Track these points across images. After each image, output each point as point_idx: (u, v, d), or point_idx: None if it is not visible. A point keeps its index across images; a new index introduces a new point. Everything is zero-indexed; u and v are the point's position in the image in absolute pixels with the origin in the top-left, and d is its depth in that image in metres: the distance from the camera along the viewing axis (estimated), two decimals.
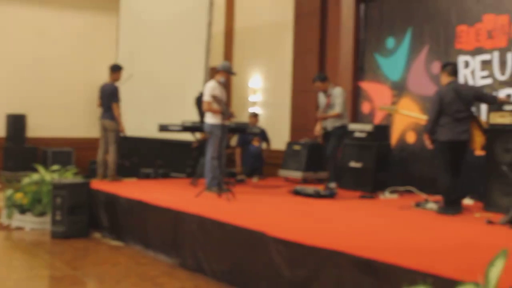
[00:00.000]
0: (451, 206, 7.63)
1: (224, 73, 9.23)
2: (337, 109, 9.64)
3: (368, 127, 10.00)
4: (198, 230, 6.77)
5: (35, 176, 9.32)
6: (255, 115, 12.32)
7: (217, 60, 14.00)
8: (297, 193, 9.09)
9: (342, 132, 9.80)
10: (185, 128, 10.38)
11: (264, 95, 13.52)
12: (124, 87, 11.25)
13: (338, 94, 9.70)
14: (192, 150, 11.38)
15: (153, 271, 6.75)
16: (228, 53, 14.42)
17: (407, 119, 10.01)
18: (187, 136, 11.16)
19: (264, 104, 13.47)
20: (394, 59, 10.56)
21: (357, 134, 10.06)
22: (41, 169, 9.53)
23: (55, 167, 9.89)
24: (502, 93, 8.70)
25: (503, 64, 8.83)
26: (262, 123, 12.54)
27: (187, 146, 11.74)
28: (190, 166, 11.44)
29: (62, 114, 14.86)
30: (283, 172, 11.33)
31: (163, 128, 10.73)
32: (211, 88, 9.03)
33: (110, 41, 14.93)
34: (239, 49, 14.25)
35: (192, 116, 10.83)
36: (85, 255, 7.65)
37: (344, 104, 9.75)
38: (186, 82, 12.32)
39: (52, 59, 14.77)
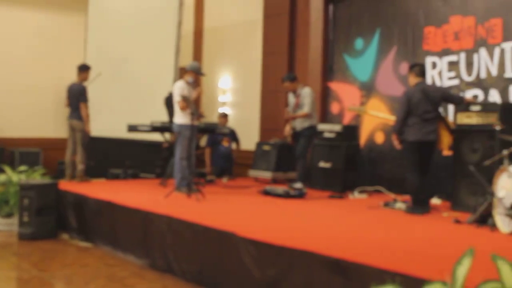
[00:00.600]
0: (419, 206, 7.70)
1: (192, 73, 9.19)
2: (306, 109, 9.67)
3: (337, 128, 10.06)
4: (167, 231, 6.74)
5: (2, 177, 9.21)
6: (224, 116, 12.32)
7: (187, 60, 13.94)
8: (266, 193, 9.10)
9: (311, 132, 9.84)
10: (154, 129, 10.33)
11: (233, 95, 13.51)
12: (93, 87, 11.16)
13: (307, 95, 9.74)
14: (162, 150, 11.32)
15: (122, 272, 6.71)
16: (197, 53, 14.38)
17: (376, 120, 10.09)
18: (157, 137, 11.11)
19: (234, 104, 13.46)
20: (362, 60, 10.62)
21: (326, 135, 10.11)
22: (8, 169, 9.42)
23: (23, 167, 9.79)
24: (468, 94, 8.81)
25: (469, 65, 8.94)
26: (231, 123, 12.54)
27: (156, 146, 11.68)
28: (159, 167, 11.38)
29: (30, 114, 14.67)
30: (253, 172, 11.33)
31: (132, 128, 10.67)
32: (180, 88, 8.99)
33: (78, 41, 14.78)
34: (208, 49, 14.22)
35: (161, 116, 10.78)
36: (53, 256, 7.57)
37: (313, 104, 9.79)
38: (155, 82, 12.25)
39: (19, 59, 14.57)
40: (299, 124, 9.84)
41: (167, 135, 10.80)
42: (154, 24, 12.59)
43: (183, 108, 8.89)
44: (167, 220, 6.80)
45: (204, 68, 13.61)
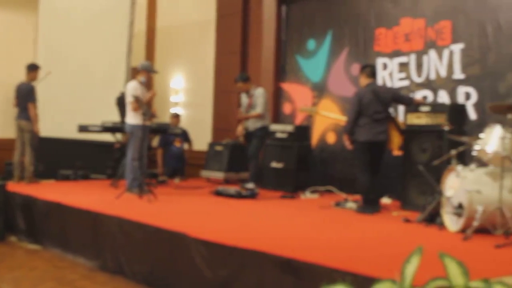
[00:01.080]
0: (370, 205, 7.78)
1: (145, 73, 9.12)
2: (258, 109, 9.69)
3: (289, 128, 10.10)
4: (118, 232, 6.67)
5: None
6: (176, 116, 12.25)
7: (139, 60, 13.83)
8: (219, 193, 9.09)
9: (264, 132, 9.86)
10: (106, 129, 10.23)
11: (186, 95, 13.46)
12: (43, 87, 10.98)
13: (259, 95, 9.75)
14: (113, 151, 11.21)
15: (72, 274, 6.62)
16: (150, 53, 14.28)
17: (327, 120, 10.15)
18: (108, 137, 10.99)
19: (186, 105, 13.40)
20: (315, 61, 10.69)
21: (278, 135, 10.14)
22: None
23: None
24: (418, 95, 8.93)
25: (419, 66, 9.06)
26: (184, 123, 12.47)
27: (107, 147, 11.55)
28: (110, 168, 11.26)
29: None
30: (205, 173, 11.30)
31: (83, 128, 10.54)
32: (133, 88, 8.91)
33: (28, 40, 14.52)
34: (161, 49, 14.14)
35: (113, 116, 10.67)
36: (0, 259, 7.42)
37: (265, 105, 9.81)
38: (107, 81, 12.13)
39: None
40: (252, 125, 9.85)
41: (119, 136, 10.69)
42: (106, 23, 12.47)
43: (135, 109, 8.81)
44: (118, 221, 6.73)
45: (156, 68, 13.56)
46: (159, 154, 11.73)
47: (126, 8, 12.13)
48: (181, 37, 13.55)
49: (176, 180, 11.21)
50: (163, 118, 12.57)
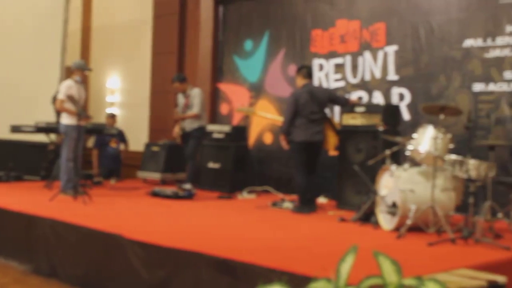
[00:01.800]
0: (306, 205, 7.84)
1: (79, 72, 8.96)
2: (195, 109, 9.65)
3: (226, 128, 10.09)
4: (52, 235, 6.54)
5: None
6: (112, 116, 12.10)
7: (74, 59, 13.62)
8: (155, 194, 9.02)
9: (201, 133, 9.82)
10: (39, 129, 10.02)
11: (122, 95, 13.30)
12: None
13: (196, 95, 9.72)
14: (47, 152, 10.99)
15: (3, 278, 6.44)
16: (85, 52, 14.05)
17: (264, 120, 10.19)
18: (42, 138, 10.77)
19: (122, 105, 13.25)
20: (252, 61, 10.71)
21: (215, 135, 10.13)
22: None
23: None
24: (354, 96, 9.05)
25: (354, 67, 9.19)
26: (120, 124, 12.33)
27: (41, 147, 11.31)
28: (44, 169, 11.04)
29: None
30: (142, 174, 11.20)
31: (15, 129, 10.29)
32: (67, 87, 8.75)
33: None
34: (96, 48, 13.93)
35: (47, 116, 10.46)
36: None
37: (202, 105, 9.78)
38: (41, 81, 11.88)
39: None
40: (188, 125, 9.80)
41: (53, 136, 10.49)
42: (39, 21, 12.20)
43: (60, 109, 8.68)
44: (51, 223, 6.59)
45: (92, 68, 13.34)
46: (95, 155, 11.56)
47: (60, 6, 11.90)
48: (117, 36, 13.38)
49: (112, 181, 11.07)
50: (99, 118, 12.40)
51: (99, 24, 13.93)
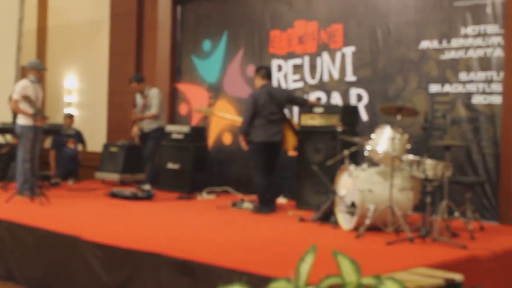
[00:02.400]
0: (266, 205, 7.86)
1: (34, 71, 8.84)
2: (153, 110, 9.61)
3: (185, 129, 10.06)
4: (8, 237, 6.45)
5: None
6: (70, 116, 11.96)
7: (30, 59, 13.42)
8: (114, 195, 8.95)
9: (159, 134, 9.78)
10: None
11: (79, 95, 13.16)
12: None
13: (154, 95, 9.68)
14: (2, 153, 10.83)
15: None
16: (41, 52, 13.86)
17: (224, 121, 10.19)
18: None
19: (80, 105, 13.10)
20: (210, 62, 10.70)
21: (174, 136, 10.08)
22: None
23: None
24: (312, 96, 9.11)
25: (313, 68, 9.25)
26: (77, 124, 12.19)
27: None
28: (0, 170, 10.87)
29: None
30: (100, 175, 11.10)
31: None
32: (22, 87, 8.63)
33: None
34: (53, 47, 13.76)
35: (3, 117, 10.30)
36: None
37: (160, 106, 9.74)
38: None
39: None
40: (147, 125, 9.75)
41: (9, 137, 10.34)
42: None
43: (14, 109, 8.57)
44: (7, 225, 6.51)
45: (48, 68, 13.17)
46: (52, 156, 11.41)
47: (15, 5, 11.73)
48: (74, 36, 13.23)
49: (70, 182, 10.96)
50: (56, 118, 12.26)
51: (56, 24, 13.75)
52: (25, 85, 8.64)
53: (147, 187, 9.19)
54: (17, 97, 8.50)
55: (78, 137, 11.58)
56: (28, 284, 6.10)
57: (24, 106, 8.51)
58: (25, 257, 6.22)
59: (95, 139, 11.91)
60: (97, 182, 11.08)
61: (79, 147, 11.61)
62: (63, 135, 10.98)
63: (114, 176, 10.78)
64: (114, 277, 5.24)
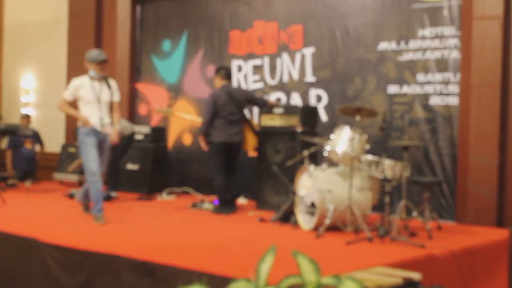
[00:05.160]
0: (226, 206, 7.86)
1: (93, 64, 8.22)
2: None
3: (144, 129, 10.00)
4: None
5: None
6: (26, 117, 11.78)
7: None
8: (72, 196, 8.85)
9: (129, 142, 9.48)
10: None
11: (37, 95, 12.99)
12: None
13: None
14: None
15: None
16: None
17: (183, 121, 10.15)
18: None
19: (38, 105, 12.93)
20: (170, 62, 10.65)
21: (134, 136, 10.00)
22: None
23: None
24: (272, 97, 9.13)
25: (273, 69, 9.28)
26: (35, 124, 12.04)
27: None
28: None
29: None
30: (59, 175, 10.97)
31: None
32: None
33: None
34: (9, 47, 13.55)
35: None
36: None
37: None
38: None
39: None
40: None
41: None
42: None
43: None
44: None
45: (5, 68, 12.99)
46: (8, 157, 11.24)
47: None
48: (31, 35, 13.05)
49: (27, 183, 10.81)
50: (13, 119, 12.08)
51: (12, 22, 13.54)
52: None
53: (114, 194, 9.06)
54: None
55: (36, 137, 11.43)
56: None
57: None
58: None
59: (53, 140, 11.77)
60: (55, 183, 10.95)
61: (37, 148, 11.46)
62: (20, 135, 10.83)
63: (73, 177, 10.66)
64: (74, 279, 5.19)
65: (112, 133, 7.07)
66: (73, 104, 7.24)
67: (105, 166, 7.36)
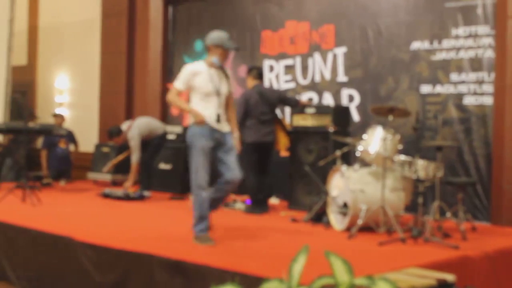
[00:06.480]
0: (258, 206, 7.86)
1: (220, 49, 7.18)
2: (133, 158, 9.19)
3: (177, 129, 10.05)
4: (0, 237, 6.44)
5: None
6: (59, 116, 11.90)
7: (21, 59, 13.39)
8: (106, 196, 8.94)
9: (161, 141, 9.51)
10: None
11: (71, 95, 13.13)
12: None
13: (130, 139, 9.29)
14: None
15: None
16: (32, 52, 13.84)
17: None
18: None
19: (71, 105, 13.08)
20: None
21: (166, 136, 10.06)
22: None
23: None
24: (304, 97, 9.12)
25: (305, 69, 9.26)
26: (69, 124, 12.16)
27: None
28: None
29: None
30: (92, 175, 11.08)
31: None
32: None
33: None
34: (44, 48, 13.73)
35: None
36: None
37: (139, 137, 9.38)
38: None
39: None
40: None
41: (0, 137, 10.30)
42: None
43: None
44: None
45: (39, 68, 13.16)
46: (43, 156, 11.37)
47: (5, 5, 11.70)
48: (65, 36, 13.21)
49: (62, 183, 10.93)
50: (48, 119, 12.23)
51: (47, 24, 13.72)
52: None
53: (146, 193, 9.09)
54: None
55: (70, 137, 11.54)
56: (22, 284, 6.10)
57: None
58: (18, 258, 6.21)
59: (87, 140, 11.90)
60: (89, 183, 11.06)
61: (71, 147, 11.58)
62: (55, 135, 10.95)
63: (106, 177, 10.76)
64: (107, 278, 5.24)
65: (235, 138, 5.93)
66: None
67: (239, 170, 5.87)
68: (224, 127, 5.76)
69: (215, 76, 5.77)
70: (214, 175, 5.90)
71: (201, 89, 5.68)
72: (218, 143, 5.70)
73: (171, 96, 5.89)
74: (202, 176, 5.58)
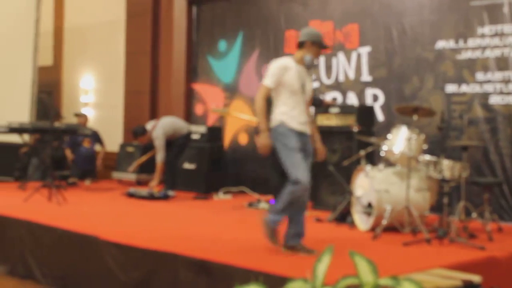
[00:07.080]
0: None
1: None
2: (159, 158, 9.22)
3: (201, 129, 10.08)
4: (27, 236, 6.50)
5: None
6: (82, 116, 11.96)
7: (47, 59, 13.51)
8: (130, 195, 8.99)
9: (185, 141, 9.55)
10: (12, 130, 9.92)
11: (96, 95, 13.23)
12: None
13: (155, 138, 9.32)
14: (21, 152, 10.90)
15: None
16: (58, 52, 13.95)
17: (239, 121, 10.20)
18: (15, 138, 10.66)
19: (97, 105, 13.18)
20: (226, 62, 10.72)
21: (190, 136, 10.10)
22: None
23: None
24: (328, 96, 9.10)
25: (329, 68, 9.24)
26: (94, 124, 12.24)
27: (14, 148, 11.21)
28: (18, 170, 10.94)
29: None
30: (117, 174, 11.15)
31: None
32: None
33: None
34: (69, 48, 13.84)
35: (21, 117, 10.35)
36: None
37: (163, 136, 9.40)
38: (13, 81, 11.76)
39: None
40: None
41: (26, 137, 10.40)
42: (11, 21, 12.10)
43: None
44: (26, 224, 6.56)
45: (65, 68, 13.27)
46: (68, 155, 11.45)
47: (31, 6, 11.81)
48: (90, 36, 13.30)
49: (87, 182, 11.01)
50: (73, 119, 12.31)
51: (72, 24, 13.83)
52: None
53: (171, 193, 9.11)
54: None
55: (95, 137, 11.61)
56: (48, 283, 6.15)
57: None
58: (44, 256, 6.26)
59: (112, 139, 11.97)
60: (114, 182, 11.13)
61: (97, 147, 11.64)
62: (79, 135, 11.03)
63: (131, 176, 10.82)
64: (132, 277, 5.27)
65: (319, 148, 5.66)
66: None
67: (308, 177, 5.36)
68: (308, 129, 5.46)
69: (302, 74, 5.41)
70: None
71: (290, 86, 5.31)
72: (302, 146, 5.36)
73: (259, 99, 5.40)
74: (300, 172, 5.19)
